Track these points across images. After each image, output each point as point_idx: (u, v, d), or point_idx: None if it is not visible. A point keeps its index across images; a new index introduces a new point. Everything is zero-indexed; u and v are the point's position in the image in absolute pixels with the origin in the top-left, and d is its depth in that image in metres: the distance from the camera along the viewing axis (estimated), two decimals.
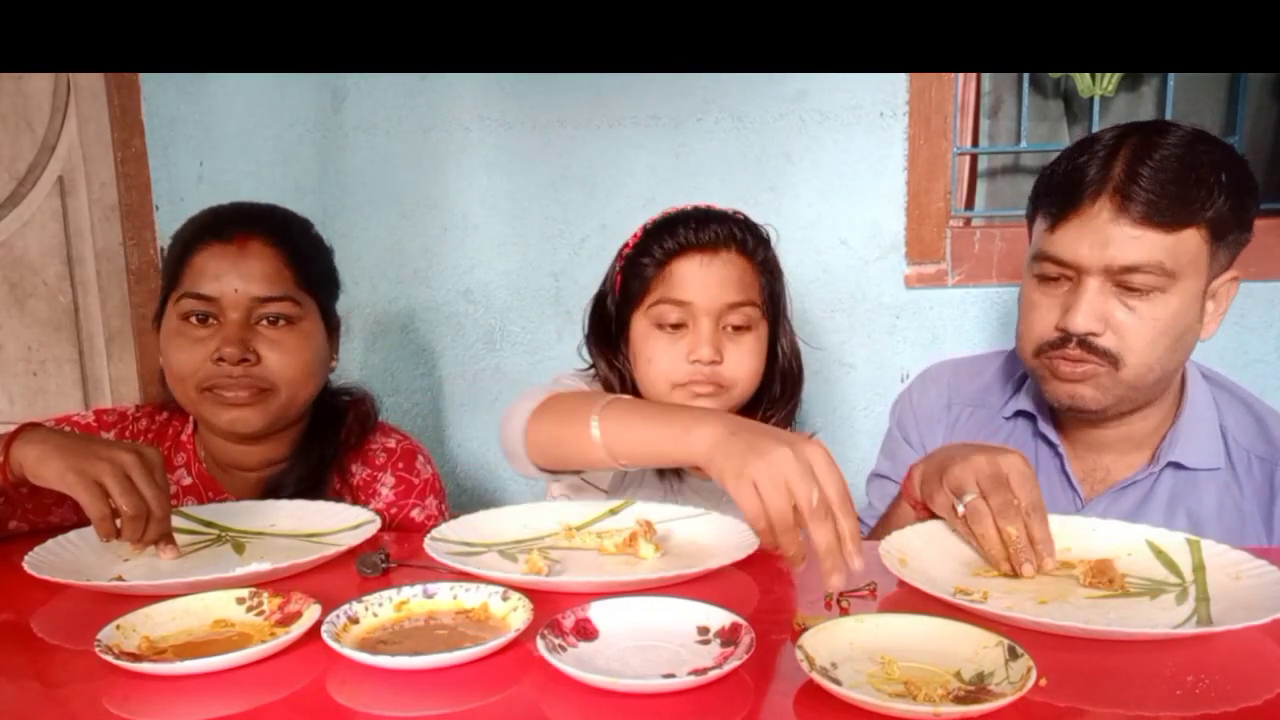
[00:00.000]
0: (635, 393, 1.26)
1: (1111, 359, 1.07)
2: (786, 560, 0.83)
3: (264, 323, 1.22)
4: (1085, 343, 1.07)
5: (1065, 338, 1.08)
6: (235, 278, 1.20)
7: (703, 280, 1.18)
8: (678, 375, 1.19)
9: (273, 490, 1.26)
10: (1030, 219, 1.16)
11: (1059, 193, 1.08)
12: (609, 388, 1.29)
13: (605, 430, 1.02)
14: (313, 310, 1.27)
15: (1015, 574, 0.91)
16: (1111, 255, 1.03)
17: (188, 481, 1.31)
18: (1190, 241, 1.03)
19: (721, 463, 0.86)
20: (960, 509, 0.95)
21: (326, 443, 1.32)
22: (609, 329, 1.29)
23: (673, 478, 1.28)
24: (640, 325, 1.23)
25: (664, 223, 1.22)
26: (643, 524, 1.02)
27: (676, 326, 1.19)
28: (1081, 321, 1.05)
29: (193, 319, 1.21)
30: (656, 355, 1.21)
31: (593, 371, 1.33)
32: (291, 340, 1.23)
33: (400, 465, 1.32)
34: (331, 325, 1.32)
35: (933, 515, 1.08)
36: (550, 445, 1.10)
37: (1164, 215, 1.01)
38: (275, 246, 1.23)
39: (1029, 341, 1.13)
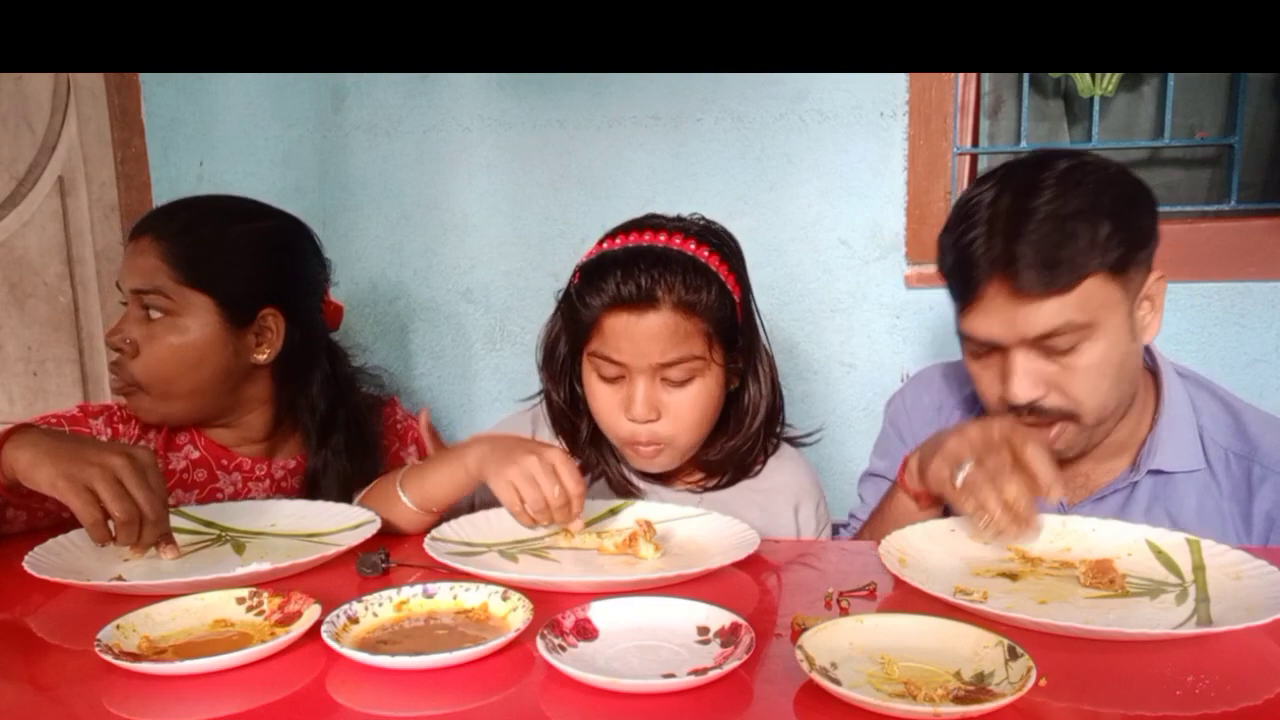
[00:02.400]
0: (586, 417, 1.24)
1: (1066, 415, 1.07)
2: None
3: (151, 314, 1.26)
4: (1035, 409, 1.06)
5: (1016, 407, 1.07)
6: (125, 272, 1.27)
7: (633, 339, 1.11)
8: (621, 432, 1.17)
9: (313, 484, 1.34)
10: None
11: (956, 278, 1.08)
12: (559, 418, 1.27)
13: (409, 491, 1.12)
14: (199, 305, 1.26)
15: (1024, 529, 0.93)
16: (1022, 331, 1.03)
17: (196, 455, 1.33)
18: (1093, 288, 1.02)
19: (489, 471, 1.05)
20: (959, 479, 0.96)
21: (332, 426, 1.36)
22: (560, 358, 1.25)
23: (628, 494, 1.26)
24: (586, 367, 1.19)
25: (594, 268, 1.15)
26: (642, 524, 1.02)
27: (615, 379, 1.15)
28: (1019, 393, 1.05)
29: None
30: (599, 408, 1.18)
31: (538, 400, 1.31)
32: (162, 334, 1.25)
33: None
34: (242, 320, 1.29)
35: (931, 504, 1.08)
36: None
37: (1056, 283, 1.01)
38: (158, 243, 1.26)
39: (990, 411, 1.13)
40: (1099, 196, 1.03)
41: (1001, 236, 1.03)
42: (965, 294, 1.07)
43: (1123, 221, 1.02)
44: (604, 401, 1.17)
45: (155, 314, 1.25)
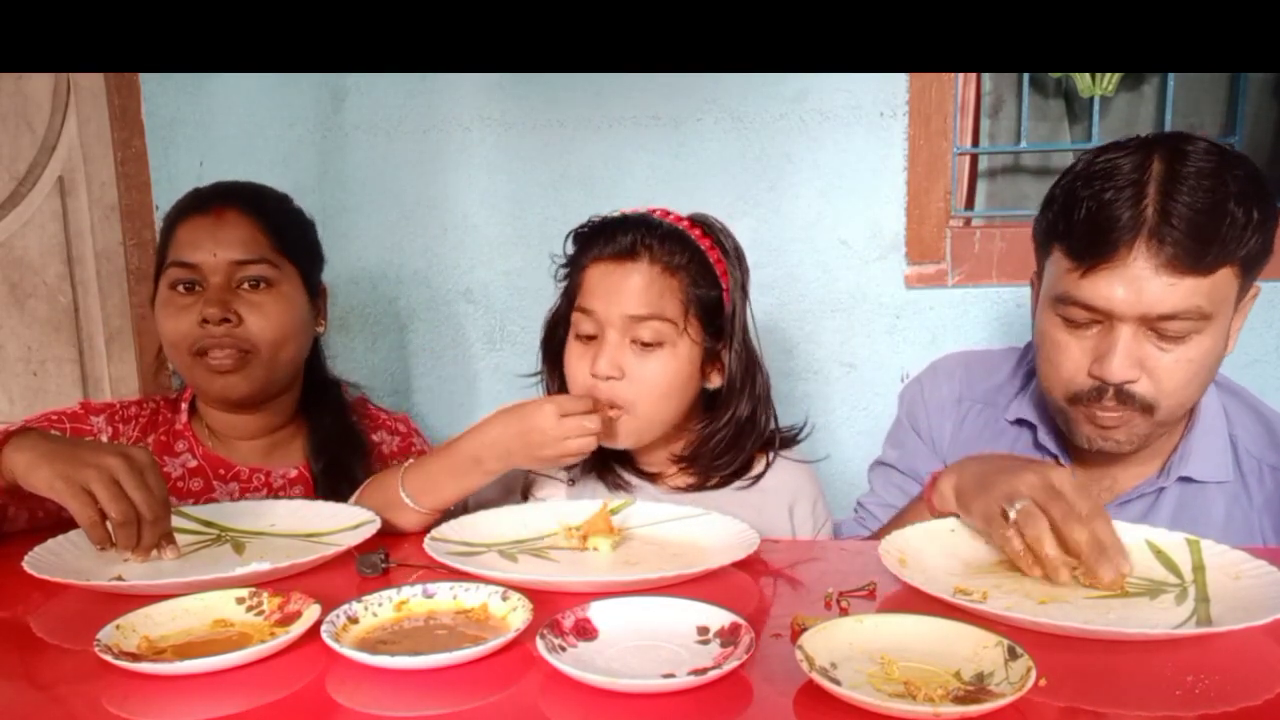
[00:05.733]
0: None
1: (1146, 406, 1.03)
2: None
3: (245, 286, 1.28)
4: (1122, 391, 1.02)
5: (1100, 387, 1.03)
6: (214, 244, 1.28)
7: (607, 289, 1.14)
8: (583, 386, 1.16)
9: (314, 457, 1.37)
10: (1042, 244, 1.09)
11: (1085, 235, 1.00)
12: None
13: (409, 488, 1.11)
14: (292, 275, 1.33)
15: (1091, 583, 0.87)
16: (1148, 304, 0.98)
17: (193, 464, 1.34)
18: (1224, 279, 0.98)
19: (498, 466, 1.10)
20: (1012, 514, 0.89)
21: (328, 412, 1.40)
22: (558, 339, 1.26)
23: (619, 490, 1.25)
24: (570, 331, 1.21)
25: (584, 230, 1.21)
26: (603, 516, 1.05)
27: (590, 338, 1.17)
28: (1118, 371, 1.00)
29: (180, 288, 1.28)
30: (570, 362, 1.20)
31: (537, 381, 1.32)
32: (270, 302, 1.29)
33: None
34: (314, 292, 1.38)
35: None
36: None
37: (1201, 262, 0.96)
38: (250, 215, 1.30)
39: (1058, 385, 1.08)
40: (1252, 184, 0.98)
41: (1158, 199, 0.96)
42: (1092, 255, 0.99)
43: (1265, 218, 0.99)
44: (575, 357, 1.19)
45: (249, 285, 1.28)
